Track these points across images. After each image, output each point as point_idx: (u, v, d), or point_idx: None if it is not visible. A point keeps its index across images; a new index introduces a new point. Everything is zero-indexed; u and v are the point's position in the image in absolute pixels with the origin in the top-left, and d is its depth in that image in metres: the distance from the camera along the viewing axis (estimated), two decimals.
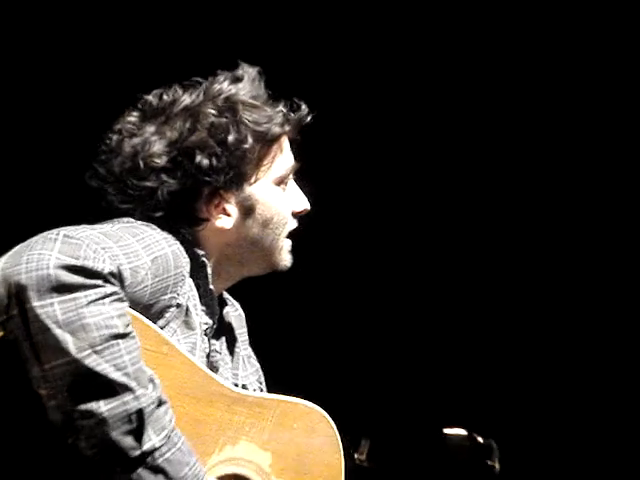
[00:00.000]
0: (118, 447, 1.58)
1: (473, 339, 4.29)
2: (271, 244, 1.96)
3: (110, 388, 1.58)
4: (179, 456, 1.65)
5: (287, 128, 1.94)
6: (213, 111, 1.88)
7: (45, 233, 1.64)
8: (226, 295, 2.10)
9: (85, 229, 1.68)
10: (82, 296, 1.57)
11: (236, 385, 1.99)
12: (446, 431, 3.69)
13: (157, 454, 1.61)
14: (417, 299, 4.35)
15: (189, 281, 1.86)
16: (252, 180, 1.92)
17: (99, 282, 1.59)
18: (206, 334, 1.91)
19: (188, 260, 1.85)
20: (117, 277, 1.63)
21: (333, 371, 4.03)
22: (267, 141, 1.91)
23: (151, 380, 1.64)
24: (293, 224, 1.99)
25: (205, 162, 1.85)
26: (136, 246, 1.72)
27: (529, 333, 4.31)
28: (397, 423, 3.89)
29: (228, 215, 1.92)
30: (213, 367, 1.95)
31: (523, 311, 4.32)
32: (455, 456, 3.62)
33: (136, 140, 1.87)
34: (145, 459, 1.60)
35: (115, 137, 1.89)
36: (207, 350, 1.93)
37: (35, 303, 1.55)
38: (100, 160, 1.90)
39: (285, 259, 1.99)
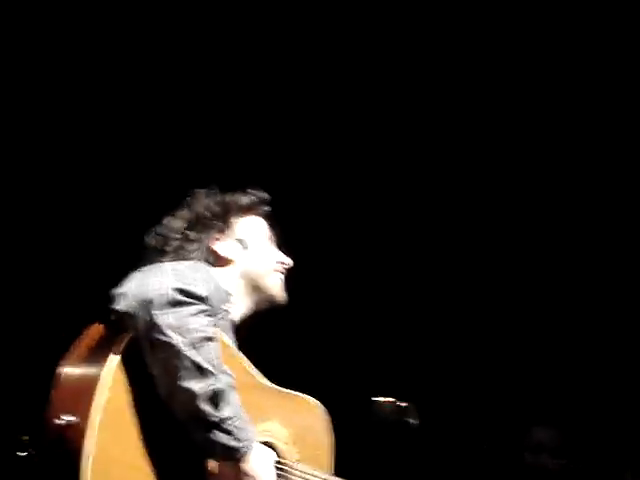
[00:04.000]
0: (204, 414, 2.09)
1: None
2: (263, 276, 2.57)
3: (202, 373, 2.08)
4: (242, 424, 2.15)
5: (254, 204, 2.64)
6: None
7: (157, 265, 2.26)
8: None
9: (179, 265, 2.30)
10: (187, 310, 2.11)
11: None
12: (374, 399, 4.25)
13: (229, 421, 2.11)
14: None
15: None
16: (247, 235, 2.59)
17: (198, 302, 2.14)
18: None
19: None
20: (207, 300, 2.17)
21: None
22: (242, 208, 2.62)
23: (227, 371, 2.15)
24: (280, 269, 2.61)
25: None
26: (206, 276, 2.28)
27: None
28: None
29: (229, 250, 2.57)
30: None
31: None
32: (382, 418, 4.17)
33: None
34: (220, 424, 2.11)
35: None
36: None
37: (157, 312, 2.09)
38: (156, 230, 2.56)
39: (280, 292, 2.60)
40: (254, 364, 2.45)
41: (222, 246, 2.56)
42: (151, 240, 2.53)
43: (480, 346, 4.53)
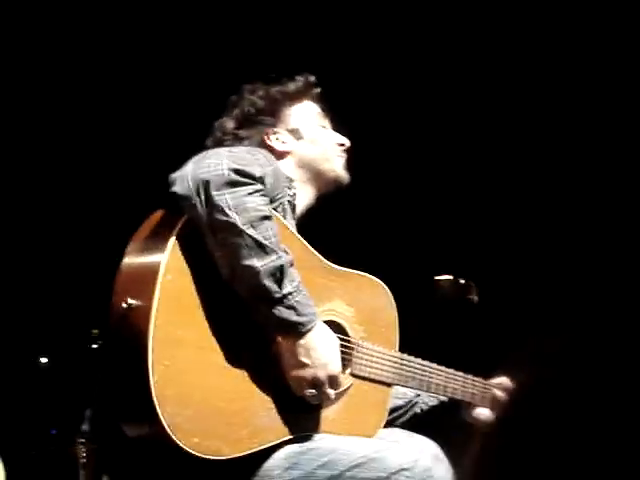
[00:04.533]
0: (267, 291, 2.08)
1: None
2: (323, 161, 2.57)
3: (263, 250, 2.07)
4: (304, 299, 2.13)
5: (301, 89, 2.61)
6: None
7: (214, 149, 2.24)
8: None
9: (236, 149, 2.27)
10: (244, 190, 2.09)
11: None
12: (436, 277, 4.28)
13: (291, 297, 2.10)
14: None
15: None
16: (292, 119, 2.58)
17: (253, 182, 2.11)
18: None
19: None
20: (262, 180, 2.15)
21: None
22: (289, 96, 2.59)
23: (285, 250, 2.13)
24: (339, 150, 2.60)
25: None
26: (263, 159, 2.25)
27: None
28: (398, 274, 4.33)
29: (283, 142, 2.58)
30: None
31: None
32: (444, 295, 4.20)
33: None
34: (283, 300, 2.10)
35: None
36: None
37: (214, 193, 2.06)
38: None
39: (340, 172, 2.60)
40: (316, 247, 2.43)
41: (276, 139, 2.54)
42: (206, 144, 2.52)
43: (537, 219, 4.51)
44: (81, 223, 4.51)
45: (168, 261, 2.07)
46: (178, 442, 2.01)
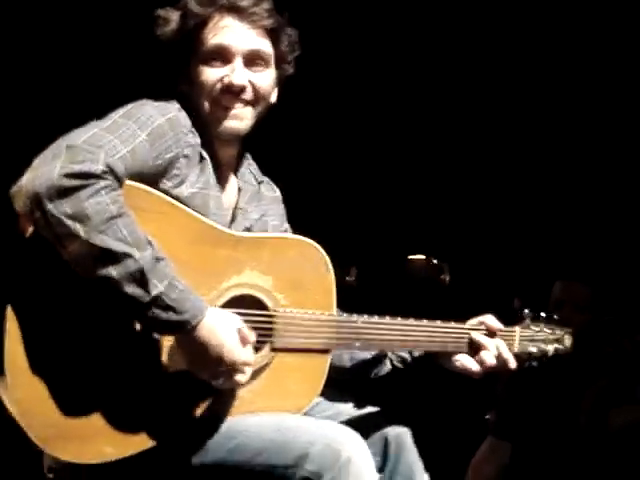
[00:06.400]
0: (133, 297, 1.89)
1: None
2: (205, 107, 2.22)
3: (115, 257, 1.87)
4: (181, 295, 1.93)
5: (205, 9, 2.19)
6: None
7: (57, 143, 1.93)
8: (264, 178, 2.41)
9: (90, 128, 1.97)
10: (82, 194, 1.86)
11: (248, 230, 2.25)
12: (410, 257, 4.20)
13: (164, 297, 1.90)
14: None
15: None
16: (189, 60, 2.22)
17: (93, 181, 1.87)
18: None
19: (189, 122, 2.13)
20: (110, 171, 1.90)
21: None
22: (189, 22, 2.20)
23: (149, 242, 1.91)
24: (220, 95, 2.20)
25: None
26: (133, 127, 2.00)
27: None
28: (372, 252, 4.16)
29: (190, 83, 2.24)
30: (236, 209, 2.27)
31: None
32: (416, 274, 4.12)
33: None
34: (156, 302, 1.90)
35: None
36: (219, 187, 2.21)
37: (49, 206, 1.85)
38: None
39: (222, 123, 2.22)
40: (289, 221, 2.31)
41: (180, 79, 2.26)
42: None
43: (509, 203, 4.45)
44: None
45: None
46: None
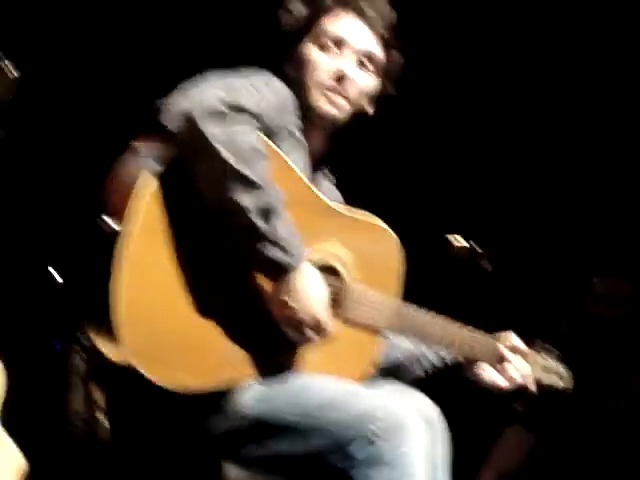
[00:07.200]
0: (254, 227, 1.97)
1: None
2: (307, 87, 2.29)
3: (252, 186, 1.95)
4: (292, 239, 2.01)
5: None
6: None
7: (207, 75, 2.02)
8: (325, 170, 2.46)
9: (235, 75, 2.06)
10: (232, 122, 1.94)
11: None
12: (449, 237, 4.17)
13: (278, 235, 1.98)
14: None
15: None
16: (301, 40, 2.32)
17: (246, 116, 1.97)
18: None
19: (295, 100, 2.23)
20: (255, 113, 2.00)
21: None
22: (317, 9, 2.32)
23: (277, 188, 2.00)
24: (328, 81, 2.28)
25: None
26: (265, 89, 2.08)
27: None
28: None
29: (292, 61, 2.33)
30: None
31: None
32: (456, 258, 4.10)
33: None
34: (270, 237, 1.97)
35: None
36: (310, 172, 2.30)
37: (201, 125, 1.92)
38: None
39: (320, 105, 2.29)
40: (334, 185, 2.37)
41: (288, 63, 2.35)
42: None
43: (552, 197, 4.49)
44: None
45: (148, 185, 1.97)
46: (138, 367, 1.94)
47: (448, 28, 4.26)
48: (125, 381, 2.08)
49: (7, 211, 4.19)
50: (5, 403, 2.39)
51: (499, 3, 4.21)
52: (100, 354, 2.01)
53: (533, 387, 2.42)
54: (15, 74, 2.60)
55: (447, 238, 3.90)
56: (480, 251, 3.76)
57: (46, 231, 4.50)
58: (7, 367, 2.47)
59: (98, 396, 2.18)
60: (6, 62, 2.56)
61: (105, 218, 1.96)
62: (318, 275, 2.09)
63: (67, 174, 4.47)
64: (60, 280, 4.59)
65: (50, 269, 4.57)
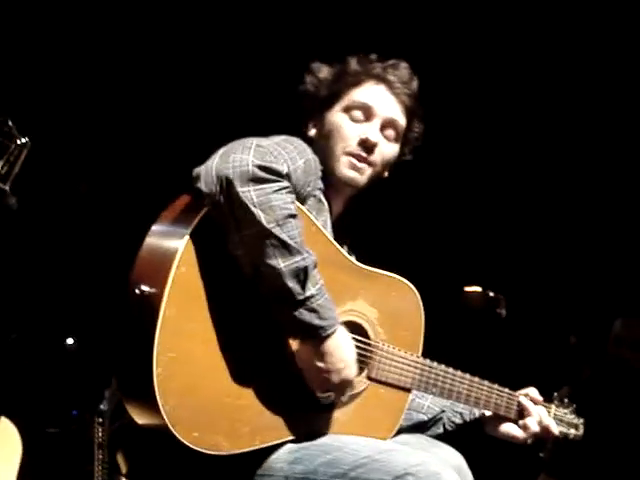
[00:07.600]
0: (289, 292, 1.98)
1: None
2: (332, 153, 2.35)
3: (287, 250, 1.97)
4: (326, 303, 2.02)
5: (360, 69, 2.38)
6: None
7: (242, 141, 2.04)
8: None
9: (266, 140, 2.09)
10: (269, 187, 1.97)
11: None
12: (466, 288, 4.18)
13: (313, 299, 2.00)
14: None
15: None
16: (329, 108, 2.39)
17: (279, 179, 1.99)
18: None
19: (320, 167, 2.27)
20: (289, 176, 2.03)
21: None
22: (344, 79, 2.39)
23: (309, 250, 2.02)
24: (353, 146, 2.34)
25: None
26: (294, 153, 2.12)
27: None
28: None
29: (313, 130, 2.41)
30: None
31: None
32: (472, 306, 4.10)
33: None
34: (305, 302, 1.99)
35: None
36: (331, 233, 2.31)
37: (239, 189, 1.94)
38: None
39: (343, 171, 2.35)
40: (349, 246, 2.38)
41: (311, 126, 2.41)
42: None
43: (570, 241, 4.47)
44: (109, 211, 4.43)
45: (183, 253, 1.97)
46: (177, 435, 1.93)
47: (462, 86, 4.33)
48: (152, 445, 2.07)
49: (24, 280, 4.20)
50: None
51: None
52: (127, 420, 2.01)
53: (555, 431, 2.49)
54: (23, 140, 2.61)
55: (465, 290, 3.98)
56: (494, 296, 3.81)
57: (64, 300, 4.49)
58: (26, 433, 2.45)
59: (121, 461, 2.15)
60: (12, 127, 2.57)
61: (143, 287, 1.96)
62: (349, 338, 2.11)
63: (94, 241, 4.48)
64: (77, 348, 4.59)
65: (69, 339, 4.58)
